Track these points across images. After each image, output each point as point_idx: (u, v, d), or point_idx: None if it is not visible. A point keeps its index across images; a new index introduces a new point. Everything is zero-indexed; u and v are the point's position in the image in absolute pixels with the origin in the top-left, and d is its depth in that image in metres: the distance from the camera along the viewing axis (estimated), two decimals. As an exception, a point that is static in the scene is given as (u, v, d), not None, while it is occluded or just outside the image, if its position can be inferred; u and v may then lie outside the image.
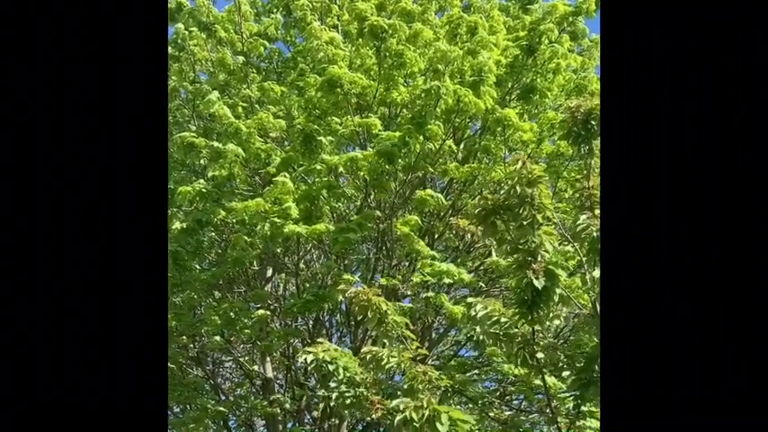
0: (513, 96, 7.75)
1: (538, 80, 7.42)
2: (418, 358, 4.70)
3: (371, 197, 7.39)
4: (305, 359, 4.45)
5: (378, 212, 7.11)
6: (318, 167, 6.74)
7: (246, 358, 8.88)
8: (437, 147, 6.96)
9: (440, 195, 6.72)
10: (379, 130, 6.88)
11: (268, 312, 7.07)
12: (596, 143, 4.20)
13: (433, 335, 8.38)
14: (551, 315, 4.14)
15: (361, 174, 6.99)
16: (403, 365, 4.45)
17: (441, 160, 7.28)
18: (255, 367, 8.44)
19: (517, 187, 3.83)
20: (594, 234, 3.69)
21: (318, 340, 4.56)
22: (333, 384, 4.52)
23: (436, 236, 8.16)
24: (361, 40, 7.34)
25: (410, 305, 6.53)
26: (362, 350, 4.66)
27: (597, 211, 3.79)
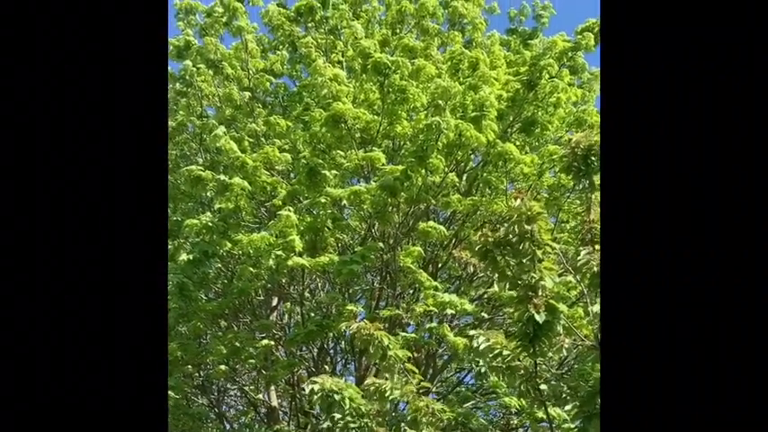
0: (515, 129, 7.85)
1: (539, 113, 7.54)
2: (421, 391, 4.73)
3: (375, 228, 7.47)
4: (311, 389, 4.49)
5: (381, 244, 7.18)
6: (323, 200, 6.84)
7: (251, 387, 8.88)
8: (439, 180, 7.07)
9: (442, 227, 6.80)
10: (383, 164, 7.00)
11: (272, 342, 7.11)
12: (596, 178, 4.29)
13: (438, 362, 8.38)
14: (554, 347, 4.18)
15: (365, 206, 7.09)
16: (406, 398, 4.49)
17: (443, 192, 7.37)
18: (260, 396, 8.44)
19: (517, 224, 3.90)
20: (595, 268, 3.75)
21: (322, 376, 4.58)
22: (338, 415, 4.55)
23: (440, 265, 8.22)
24: (364, 75, 7.50)
25: (413, 335, 6.56)
26: (366, 382, 4.69)
27: (598, 246, 3.86)
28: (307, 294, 8.45)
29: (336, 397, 4.42)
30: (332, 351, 9.22)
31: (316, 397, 4.40)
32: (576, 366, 5.94)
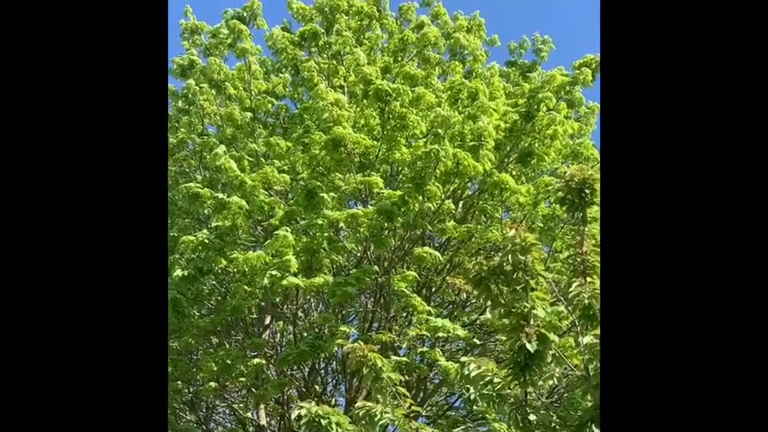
0: (512, 159, 7.98)
1: (535, 145, 7.67)
2: (411, 415, 4.75)
3: (370, 251, 7.54)
4: (298, 414, 4.49)
5: (376, 267, 7.24)
6: (320, 222, 6.91)
7: (240, 405, 8.84)
8: (436, 206, 7.16)
9: (437, 253, 6.87)
10: (381, 189, 7.10)
11: (264, 361, 7.12)
12: (590, 211, 4.39)
13: (429, 386, 8.39)
14: (545, 376, 4.23)
15: (361, 229, 7.17)
16: (396, 423, 4.51)
17: (439, 219, 7.46)
18: (249, 414, 8.41)
19: (511, 254, 3.99)
20: (586, 300, 3.83)
21: (309, 401, 4.59)
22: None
23: (433, 290, 8.27)
24: (365, 101, 7.63)
25: (405, 358, 6.59)
26: (356, 405, 4.71)
27: (590, 279, 3.95)
28: (300, 314, 8.47)
29: (323, 422, 4.42)
30: (323, 372, 9.22)
31: (302, 422, 4.41)
32: (566, 396, 5.98)
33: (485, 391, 4.22)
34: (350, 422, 4.53)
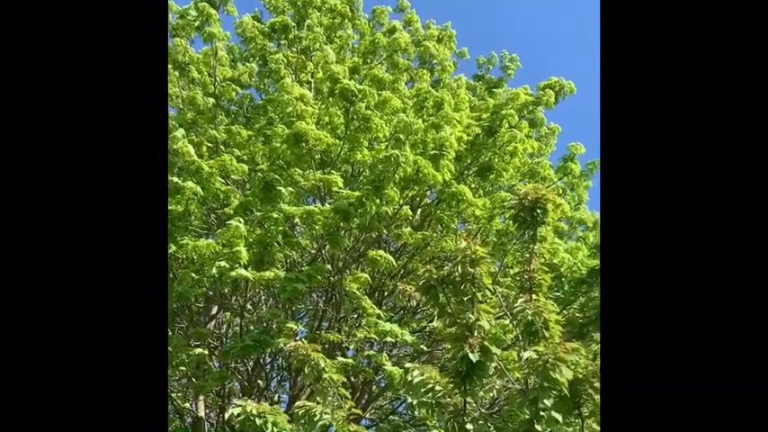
0: (471, 172, 8.10)
1: (495, 160, 7.79)
2: (352, 417, 4.77)
3: (325, 250, 7.53)
4: (232, 412, 4.43)
5: (329, 266, 7.24)
6: (275, 215, 6.86)
7: (179, 394, 8.68)
8: (393, 211, 7.21)
9: (391, 257, 6.91)
10: (340, 188, 7.10)
11: (206, 351, 7.01)
12: (540, 230, 4.52)
13: (374, 389, 8.42)
14: (486, 387, 4.31)
15: (317, 227, 7.15)
16: (335, 425, 4.52)
17: (396, 224, 7.51)
18: (188, 404, 8.26)
19: (461, 265, 4.06)
20: (529, 317, 3.93)
21: (246, 399, 4.54)
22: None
23: (385, 294, 8.32)
24: (331, 99, 7.62)
25: (351, 360, 6.60)
26: (296, 404, 4.69)
27: (535, 296, 4.06)
28: (248, 307, 8.38)
29: (258, 422, 4.37)
30: (268, 367, 9.14)
31: (236, 420, 4.36)
32: (505, 408, 6.11)
33: (425, 399, 4.26)
34: (289, 421, 4.52)
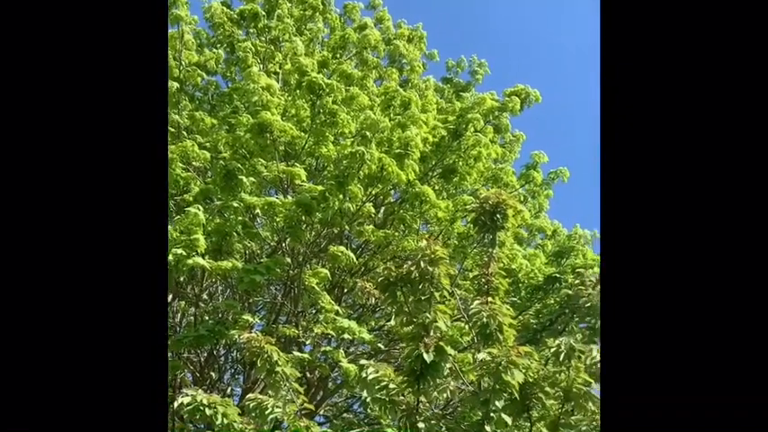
0: (435, 174, 8.14)
1: (459, 163, 7.84)
2: (304, 412, 4.75)
3: (286, 243, 7.47)
4: (181, 402, 4.35)
5: (288, 260, 7.18)
6: (236, 205, 6.78)
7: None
8: (356, 208, 7.20)
9: (351, 254, 6.90)
10: (303, 181, 7.05)
11: (158, 342, 6.86)
12: (500, 235, 4.59)
13: (330, 385, 8.40)
14: (440, 388, 4.35)
15: (278, 219, 7.09)
16: (286, 420, 4.49)
17: (358, 221, 7.50)
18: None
19: (420, 264, 4.08)
20: (484, 320, 3.99)
21: (196, 389, 4.47)
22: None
23: (345, 290, 8.30)
24: (298, 91, 7.56)
25: (307, 355, 6.57)
26: (248, 397, 4.64)
27: (491, 299, 4.12)
28: (204, 297, 8.25)
29: (208, 412, 4.31)
30: (222, 359, 9.02)
31: (186, 410, 4.29)
32: (459, 409, 6.19)
33: (379, 395, 4.28)
34: (240, 414, 4.47)
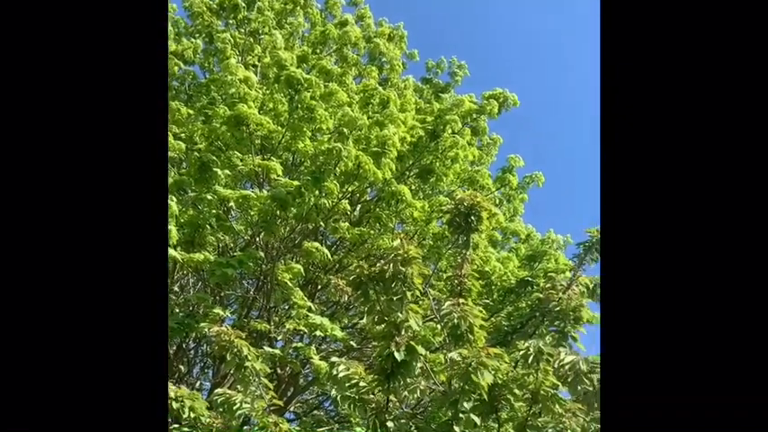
0: (412, 173, 8.14)
1: (436, 164, 7.85)
2: (273, 408, 4.71)
3: (260, 237, 7.41)
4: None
5: (262, 254, 7.13)
6: (210, 197, 6.70)
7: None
8: (331, 204, 7.18)
9: (326, 250, 6.88)
10: (279, 175, 7.01)
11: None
12: (474, 237, 4.62)
13: (301, 382, 8.36)
14: (410, 387, 4.36)
15: (252, 213, 7.03)
16: (254, 415, 4.46)
17: (334, 217, 7.48)
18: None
19: (393, 263, 4.08)
20: (455, 320, 4.01)
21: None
22: (175, 426, 4.39)
23: (320, 287, 8.27)
24: (276, 85, 7.51)
25: (278, 351, 6.53)
26: (216, 391, 4.60)
27: (463, 300, 4.14)
28: (175, 289, 8.14)
29: (176, 405, 4.26)
30: (191, 353, 8.91)
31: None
32: (429, 408, 6.21)
33: (348, 393, 4.27)
34: (208, 408, 4.42)
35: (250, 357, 4.45)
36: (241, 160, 7.37)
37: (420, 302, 6.01)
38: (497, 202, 8.82)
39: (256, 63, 8.64)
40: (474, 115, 8.23)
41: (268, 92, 7.79)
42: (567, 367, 3.53)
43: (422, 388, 4.43)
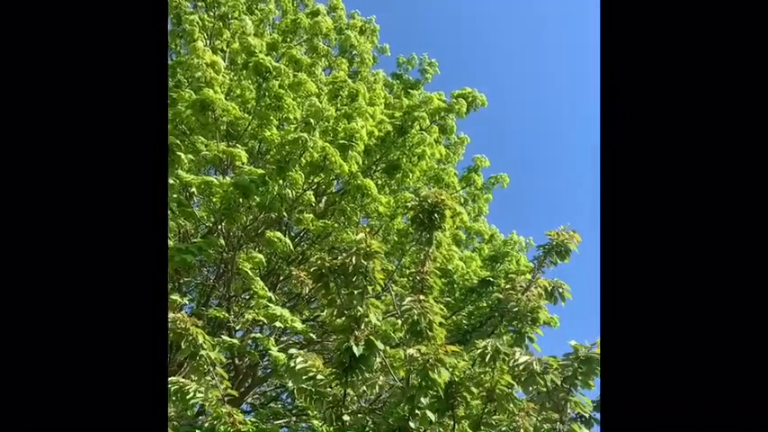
0: (378, 168, 8.12)
1: (403, 160, 7.85)
2: (228, 399, 4.64)
3: (222, 225, 7.29)
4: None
5: (222, 242, 7.02)
6: (171, 181, 6.56)
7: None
8: (296, 195, 7.11)
9: (288, 241, 6.81)
10: (244, 163, 6.90)
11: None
12: (437, 234, 4.63)
13: (260, 373, 8.27)
14: (369, 383, 4.35)
15: (215, 200, 6.91)
16: (207, 405, 4.39)
17: (298, 208, 7.41)
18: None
19: (354, 257, 4.06)
20: (415, 316, 4.01)
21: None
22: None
23: (282, 278, 8.19)
24: (244, 72, 7.39)
25: (236, 341, 6.44)
26: (170, 379, 4.51)
27: (423, 297, 4.14)
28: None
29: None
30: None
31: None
32: (388, 404, 6.21)
33: (305, 386, 4.24)
34: (163, 395, 4.32)
35: (205, 346, 4.37)
36: (206, 146, 7.23)
37: (383, 298, 6.01)
38: (462, 201, 8.88)
39: (225, 48, 8.48)
40: (442, 113, 8.25)
41: (235, 78, 7.66)
42: (521, 367, 3.57)
43: (381, 383, 4.43)
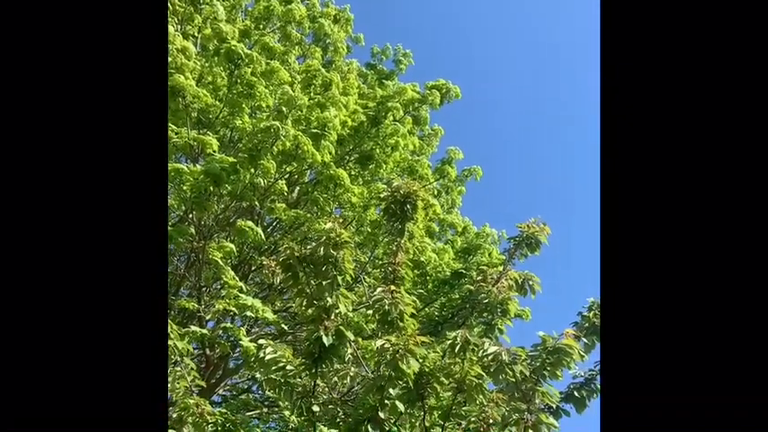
0: (352, 158, 8.06)
1: (377, 150, 7.81)
2: (197, 389, 4.59)
3: (192, 213, 7.18)
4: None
5: (193, 230, 6.91)
6: (141, 169, 6.41)
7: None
8: (267, 183, 7.03)
9: (259, 230, 6.73)
10: (215, 151, 6.79)
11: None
12: (409, 226, 4.61)
13: (231, 365, 8.19)
14: (341, 374, 4.33)
15: (185, 188, 6.79)
16: (175, 396, 4.33)
17: (270, 198, 7.33)
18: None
19: (323, 246, 4.02)
20: (386, 307, 4.00)
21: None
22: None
23: (253, 268, 8.10)
24: (216, 58, 7.26)
25: (207, 331, 6.36)
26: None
27: (395, 288, 4.13)
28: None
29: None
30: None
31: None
32: (361, 394, 6.19)
33: (274, 376, 4.21)
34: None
35: (173, 336, 4.32)
36: (176, 133, 7.10)
37: (356, 289, 5.98)
38: (436, 192, 8.88)
39: (196, 34, 8.32)
40: (416, 104, 8.23)
41: (207, 64, 7.52)
42: (490, 358, 3.59)
43: (352, 375, 4.41)
